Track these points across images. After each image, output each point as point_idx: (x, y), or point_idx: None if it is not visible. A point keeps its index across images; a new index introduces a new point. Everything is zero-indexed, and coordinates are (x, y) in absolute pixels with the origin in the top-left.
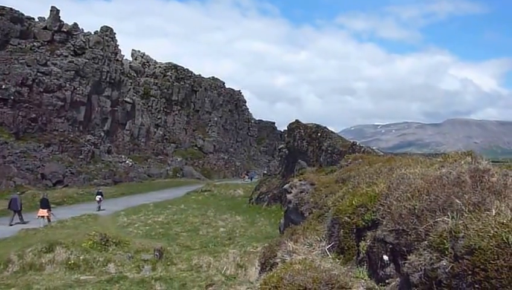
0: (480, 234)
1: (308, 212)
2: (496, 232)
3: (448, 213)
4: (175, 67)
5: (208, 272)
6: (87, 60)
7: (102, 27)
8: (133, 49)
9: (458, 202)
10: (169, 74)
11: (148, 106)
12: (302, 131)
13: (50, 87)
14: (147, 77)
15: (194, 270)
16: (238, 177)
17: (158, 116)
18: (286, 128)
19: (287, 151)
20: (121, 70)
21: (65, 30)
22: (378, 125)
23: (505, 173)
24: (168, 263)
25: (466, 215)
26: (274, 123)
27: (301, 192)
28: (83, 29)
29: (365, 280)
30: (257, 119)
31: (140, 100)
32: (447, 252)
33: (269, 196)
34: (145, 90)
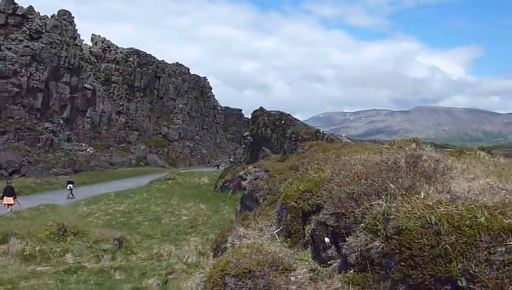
0: (408, 215)
1: (263, 198)
2: (422, 213)
3: (383, 197)
4: (137, 52)
5: (168, 261)
6: (44, 45)
7: (59, 10)
8: (92, 34)
9: (392, 186)
10: (131, 59)
11: (110, 93)
12: (266, 118)
13: (4, 72)
14: (108, 62)
15: (154, 259)
16: (205, 165)
17: (120, 103)
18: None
19: (251, 139)
20: (80, 55)
21: (20, 13)
22: (347, 112)
23: (437, 159)
24: (128, 252)
25: (398, 198)
26: (241, 110)
27: (256, 179)
28: (39, 13)
29: (309, 261)
30: (224, 106)
31: (101, 87)
32: (379, 233)
33: (234, 183)
34: (106, 76)
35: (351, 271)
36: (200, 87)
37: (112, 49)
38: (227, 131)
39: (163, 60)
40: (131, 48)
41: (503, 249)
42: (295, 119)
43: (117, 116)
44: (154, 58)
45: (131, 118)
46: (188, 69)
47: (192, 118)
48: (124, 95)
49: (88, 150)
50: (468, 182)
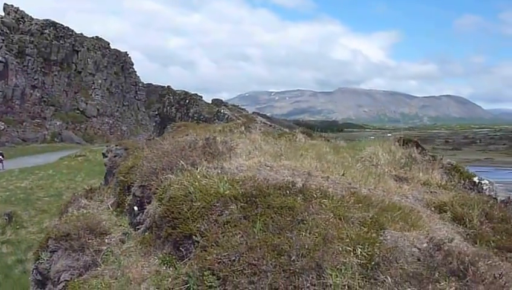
0: (178, 186)
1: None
2: (186, 185)
3: (174, 171)
4: (54, 24)
5: None
6: None
7: None
8: (5, 3)
9: (182, 162)
10: (47, 31)
11: (24, 66)
12: (172, 98)
13: None
14: (21, 34)
15: (43, 233)
16: None
17: (35, 77)
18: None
19: (158, 118)
20: None
21: None
22: (273, 92)
23: (225, 141)
24: (18, 226)
25: (184, 173)
26: (169, 87)
27: (115, 156)
28: None
29: (125, 226)
30: (146, 82)
31: (15, 59)
32: (163, 201)
33: None
34: (20, 48)
35: (146, 233)
36: (121, 62)
37: (26, 20)
38: (149, 108)
39: (81, 34)
40: (47, 20)
41: (228, 211)
42: (199, 98)
43: (31, 91)
44: (72, 31)
45: (46, 92)
46: (108, 44)
47: (112, 94)
48: (39, 68)
49: None
50: (247, 160)
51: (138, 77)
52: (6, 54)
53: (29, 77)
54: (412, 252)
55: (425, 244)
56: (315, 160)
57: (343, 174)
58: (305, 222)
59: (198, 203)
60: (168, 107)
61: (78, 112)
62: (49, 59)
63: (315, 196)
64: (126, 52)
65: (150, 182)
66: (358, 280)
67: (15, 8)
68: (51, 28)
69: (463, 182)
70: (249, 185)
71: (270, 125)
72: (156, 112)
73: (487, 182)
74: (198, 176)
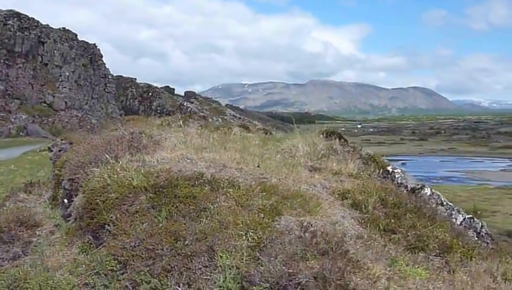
0: (97, 179)
1: None
2: (104, 177)
3: (99, 164)
4: (18, 15)
5: None
6: None
7: None
8: None
9: (107, 156)
10: (10, 22)
11: None
12: (135, 90)
13: None
14: None
15: None
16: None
17: None
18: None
19: (123, 111)
20: None
21: None
22: (246, 84)
23: (151, 135)
24: None
25: (107, 165)
26: (135, 79)
27: (60, 150)
28: None
29: (57, 219)
30: (117, 74)
31: None
32: (85, 193)
33: None
34: None
35: (74, 224)
36: (90, 54)
37: None
38: (120, 100)
39: (47, 25)
40: (10, 10)
41: (138, 201)
42: (162, 92)
43: None
44: (38, 22)
45: (11, 85)
46: (76, 35)
47: (81, 87)
48: (2, 60)
49: None
50: (170, 153)
51: (108, 69)
52: None
53: None
54: (298, 235)
55: (303, 228)
56: (237, 152)
57: (258, 166)
58: (207, 210)
59: (113, 195)
60: (131, 100)
61: (45, 105)
62: (13, 51)
63: (222, 186)
64: (95, 44)
65: (77, 176)
66: (246, 260)
67: None
68: (15, 18)
69: (378, 171)
70: (162, 177)
71: (240, 118)
72: (119, 105)
73: (399, 170)
74: (118, 169)
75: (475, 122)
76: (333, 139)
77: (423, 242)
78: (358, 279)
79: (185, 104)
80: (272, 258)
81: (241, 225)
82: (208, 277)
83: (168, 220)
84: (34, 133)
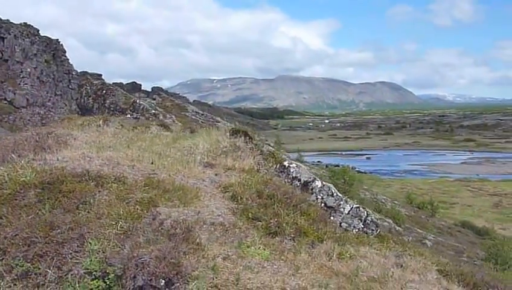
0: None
1: None
2: (2, 175)
3: (4, 163)
4: None
5: None
6: None
7: None
8: None
9: (13, 155)
10: None
11: None
12: (89, 88)
13: None
14: None
15: None
16: None
17: None
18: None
19: (77, 109)
20: None
21: None
22: (215, 79)
23: (57, 135)
24: None
25: (11, 165)
26: (101, 75)
27: None
28: None
29: None
30: (81, 71)
31: None
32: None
33: None
34: None
35: None
36: (52, 50)
37: None
38: (75, 98)
39: (8, 20)
40: None
41: (27, 196)
42: (116, 89)
43: None
44: None
45: None
46: (38, 30)
47: (43, 83)
48: None
49: None
50: (73, 152)
51: (71, 65)
52: None
53: None
54: (147, 223)
55: (163, 216)
56: (140, 150)
57: (152, 163)
58: (86, 203)
59: (7, 191)
60: (86, 98)
61: (5, 102)
62: None
63: (108, 181)
64: (57, 39)
65: None
66: (112, 246)
67: None
68: None
69: (275, 166)
70: (54, 174)
71: (202, 114)
72: (74, 103)
73: (294, 165)
74: (18, 167)
75: (439, 116)
76: (239, 137)
77: (282, 228)
78: (194, 258)
79: (137, 101)
80: (132, 243)
81: (114, 216)
82: (77, 261)
83: (51, 212)
84: None
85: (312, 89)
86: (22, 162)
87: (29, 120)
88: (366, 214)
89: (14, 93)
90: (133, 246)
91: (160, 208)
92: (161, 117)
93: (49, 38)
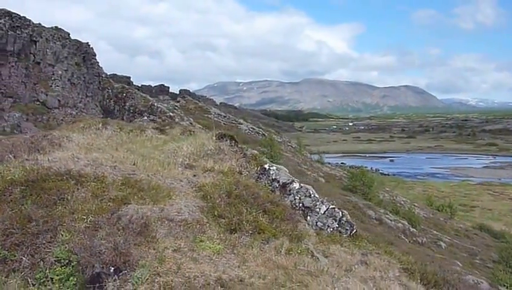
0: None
1: None
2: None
3: (2, 162)
4: (9, 14)
5: None
6: None
7: None
8: None
9: (10, 155)
10: (2, 21)
11: None
12: (111, 91)
13: None
14: None
15: None
16: None
17: None
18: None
19: (94, 112)
20: None
21: None
22: (241, 82)
23: (51, 138)
24: None
25: (6, 163)
26: (129, 77)
27: None
28: None
29: None
30: (111, 73)
31: None
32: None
33: None
34: None
35: None
36: (83, 53)
37: None
38: (98, 100)
39: (39, 24)
40: (1, 9)
41: (14, 192)
42: (135, 92)
43: None
44: (30, 21)
45: (3, 84)
46: (69, 34)
47: (74, 85)
48: None
49: None
50: (63, 153)
51: (101, 67)
52: None
53: None
54: (107, 218)
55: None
56: (127, 152)
57: (134, 164)
58: (64, 199)
59: None
60: (107, 100)
61: (38, 103)
62: (5, 50)
63: (87, 180)
64: (87, 42)
65: None
66: (81, 238)
67: None
68: (6, 17)
69: (257, 168)
70: (40, 173)
71: (225, 116)
72: (99, 105)
73: (274, 168)
74: (11, 167)
75: (462, 120)
76: (224, 140)
77: (242, 225)
78: (145, 250)
79: (155, 104)
80: (95, 236)
81: (86, 211)
82: (49, 250)
83: (32, 207)
84: (28, 131)
85: (337, 92)
86: (16, 162)
87: (62, 120)
88: (341, 215)
89: (46, 95)
90: (94, 238)
91: (131, 205)
92: (177, 120)
93: (79, 41)
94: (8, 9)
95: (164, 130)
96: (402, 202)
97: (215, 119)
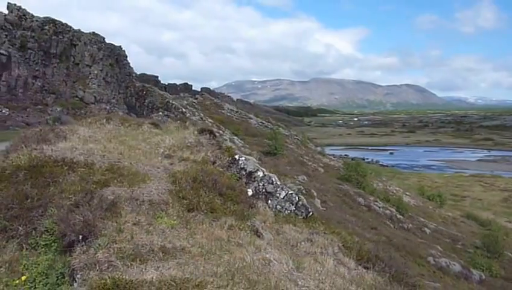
0: (7, 160)
1: None
2: (11, 159)
3: (16, 151)
4: (53, 21)
5: None
6: None
7: None
8: (8, 2)
9: (22, 145)
10: (47, 27)
11: (26, 58)
12: (132, 89)
13: None
14: (23, 30)
15: None
16: None
17: (36, 68)
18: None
19: (125, 107)
20: None
21: None
22: (256, 81)
23: (57, 130)
24: None
25: (18, 152)
26: (157, 77)
27: None
28: None
29: None
30: (140, 73)
31: (17, 52)
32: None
33: None
34: (22, 43)
35: None
36: (116, 55)
37: (27, 17)
38: (122, 98)
39: (79, 29)
40: (47, 17)
41: (19, 175)
42: (153, 90)
43: (33, 80)
44: (70, 27)
45: (47, 82)
46: (104, 38)
47: (108, 83)
48: (40, 60)
49: (3, 111)
50: (65, 144)
51: (132, 68)
52: (9, 47)
53: (31, 68)
54: (81, 196)
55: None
56: (118, 144)
57: (120, 153)
58: (57, 182)
59: (9, 171)
60: (130, 97)
61: (77, 99)
62: (49, 52)
63: (78, 166)
64: (120, 46)
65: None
66: (66, 212)
67: (17, 6)
68: (51, 24)
69: (228, 158)
70: (41, 160)
71: (237, 112)
72: (123, 102)
73: (243, 158)
74: (21, 155)
75: (461, 116)
76: (204, 134)
77: (199, 206)
78: (110, 222)
79: (170, 101)
80: (75, 211)
81: (72, 191)
82: (40, 222)
83: (31, 187)
84: (68, 123)
85: (343, 90)
86: (25, 151)
87: (97, 114)
88: (297, 199)
89: (84, 92)
90: (73, 212)
91: (110, 187)
92: (188, 115)
93: (113, 44)
94: (53, 17)
95: (158, 125)
96: (394, 191)
97: (228, 114)
